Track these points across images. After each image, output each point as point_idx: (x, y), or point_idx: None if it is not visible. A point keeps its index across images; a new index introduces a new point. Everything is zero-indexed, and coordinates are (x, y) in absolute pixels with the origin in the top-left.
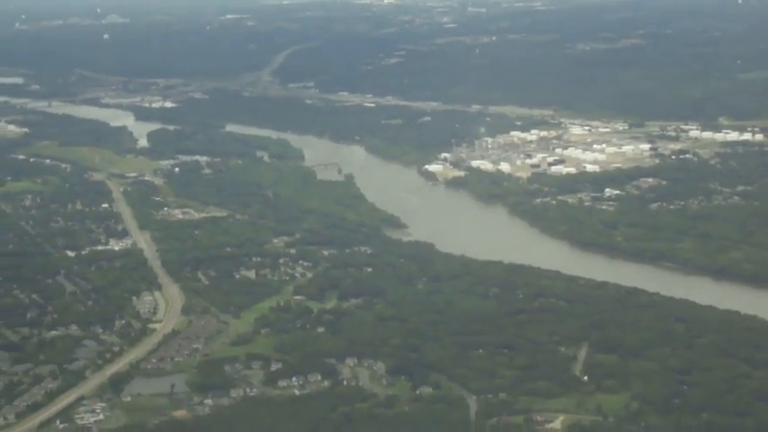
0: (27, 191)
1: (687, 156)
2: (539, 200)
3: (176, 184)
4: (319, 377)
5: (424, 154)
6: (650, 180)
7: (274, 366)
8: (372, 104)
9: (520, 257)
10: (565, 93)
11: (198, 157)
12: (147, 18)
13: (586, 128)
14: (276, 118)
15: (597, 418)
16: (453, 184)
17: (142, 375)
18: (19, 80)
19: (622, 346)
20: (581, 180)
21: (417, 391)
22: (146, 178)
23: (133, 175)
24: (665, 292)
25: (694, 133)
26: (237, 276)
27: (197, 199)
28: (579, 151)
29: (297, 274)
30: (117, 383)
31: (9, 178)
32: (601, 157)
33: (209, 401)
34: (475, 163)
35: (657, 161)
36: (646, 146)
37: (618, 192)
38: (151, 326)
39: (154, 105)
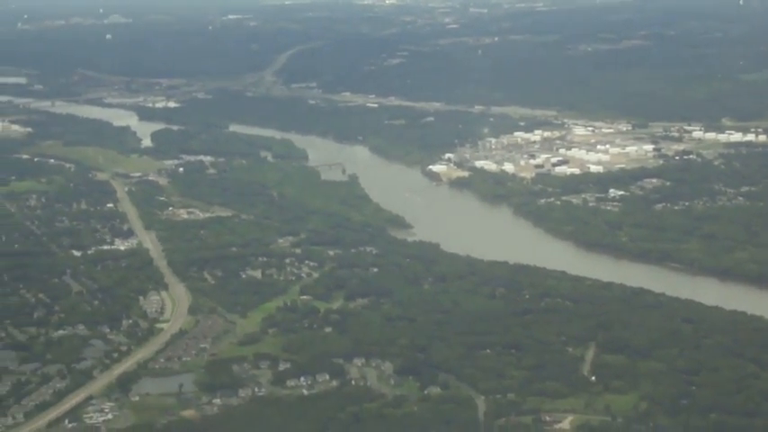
0: (31, 190)
1: (691, 156)
2: (543, 200)
3: (181, 184)
4: (327, 377)
5: (427, 154)
6: (654, 181)
7: (282, 366)
8: (375, 105)
9: (525, 258)
10: (568, 93)
11: (202, 157)
12: (150, 18)
13: (590, 128)
14: (279, 118)
15: (606, 419)
16: (457, 184)
17: (150, 375)
18: (22, 80)
19: (630, 346)
20: (585, 181)
21: (425, 392)
22: (150, 178)
23: (137, 174)
24: (671, 292)
25: (697, 134)
26: (244, 276)
27: (201, 199)
28: (583, 152)
29: (303, 274)
30: (125, 383)
31: (13, 178)
32: (604, 157)
33: (217, 401)
34: (479, 163)
35: (661, 162)
36: (649, 147)
37: (622, 192)
38: (158, 325)
39: (157, 105)
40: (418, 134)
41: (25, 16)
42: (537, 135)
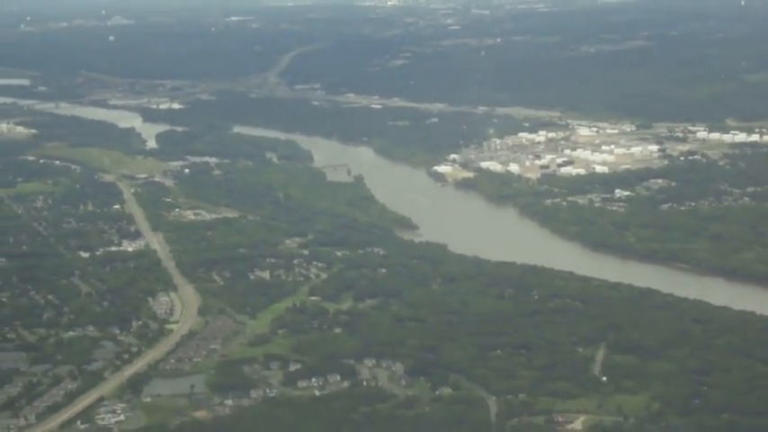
0: (38, 192)
1: (696, 157)
2: (549, 201)
3: (187, 186)
4: (338, 378)
5: (432, 155)
6: (660, 181)
7: (293, 367)
8: (379, 106)
9: (532, 258)
10: (571, 94)
11: (207, 159)
12: (152, 20)
13: (594, 129)
14: (284, 119)
15: (618, 419)
16: (463, 185)
17: (161, 376)
18: (26, 82)
19: (640, 346)
20: (591, 181)
21: (437, 392)
22: (156, 179)
23: (143, 176)
24: (679, 292)
25: (702, 134)
26: (252, 277)
27: (208, 200)
28: (588, 152)
29: (311, 275)
30: (136, 384)
31: (20, 179)
32: (609, 158)
33: (229, 402)
34: (484, 164)
35: (666, 162)
36: (654, 147)
37: (628, 193)
38: (168, 326)
39: (161, 107)
40: (423, 135)
41: (28, 18)
42: (541, 136)
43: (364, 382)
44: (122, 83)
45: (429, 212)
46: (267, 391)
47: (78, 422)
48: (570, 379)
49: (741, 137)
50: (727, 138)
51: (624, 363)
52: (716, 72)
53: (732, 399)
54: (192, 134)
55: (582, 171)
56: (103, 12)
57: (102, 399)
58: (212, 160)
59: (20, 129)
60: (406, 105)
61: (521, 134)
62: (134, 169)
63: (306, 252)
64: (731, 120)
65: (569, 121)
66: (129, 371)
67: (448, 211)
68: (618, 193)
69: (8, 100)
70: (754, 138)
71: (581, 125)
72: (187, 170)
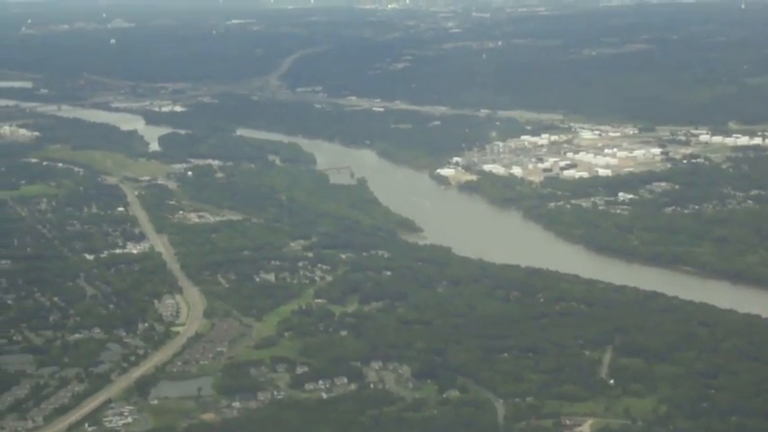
0: (42, 194)
1: (699, 160)
2: (552, 204)
3: (190, 188)
4: (345, 380)
5: (435, 158)
6: (663, 184)
7: (300, 370)
8: (381, 109)
9: (537, 261)
10: (573, 97)
11: (210, 161)
12: (152, 23)
13: (596, 132)
14: (286, 122)
15: (626, 422)
16: (466, 188)
17: (168, 378)
18: (27, 84)
19: (646, 349)
20: (594, 184)
21: (444, 395)
22: (159, 182)
23: (146, 178)
24: (684, 295)
25: (704, 137)
26: (257, 280)
27: (211, 203)
28: (590, 155)
29: (316, 278)
30: (143, 386)
31: (23, 182)
32: (612, 161)
33: (236, 404)
34: (487, 167)
35: (669, 165)
36: (657, 150)
37: (631, 196)
38: (174, 329)
39: (163, 109)
40: (425, 138)
41: (29, 21)
42: (544, 139)
43: (371, 385)
44: (124, 85)
45: (432, 215)
46: (275, 393)
47: (86, 424)
48: (577, 382)
49: (744, 140)
50: (729, 141)
51: (631, 366)
52: (717, 75)
53: (740, 402)
54: (194, 137)
55: (585, 174)
56: (104, 15)
57: (109, 401)
58: (215, 163)
59: (22, 131)
60: (408, 108)
61: (523, 137)
62: (137, 172)
63: (310, 254)
64: (734, 123)
65: (571, 125)
66: (136, 373)
67: (451, 214)
68: (621, 196)
69: (10, 102)
70: (757, 141)
71: (583, 128)
72: (190, 173)
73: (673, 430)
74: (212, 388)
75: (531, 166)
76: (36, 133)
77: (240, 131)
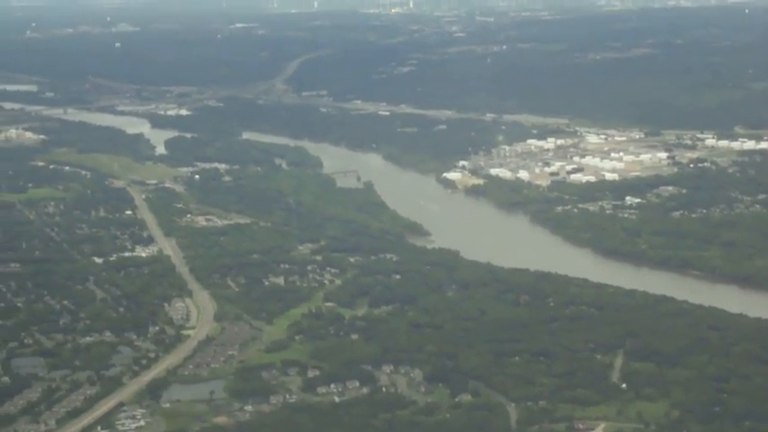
0: (49, 197)
1: (705, 164)
2: (560, 208)
3: (197, 192)
4: (357, 384)
5: (441, 162)
6: (670, 188)
7: (311, 373)
8: (387, 113)
9: (546, 265)
10: (579, 101)
11: (216, 165)
12: (157, 27)
13: (602, 136)
14: (292, 126)
15: (639, 426)
16: (473, 191)
17: (180, 382)
18: (33, 88)
19: (658, 353)
20: (601, 188)
21: (456, 399)
22: (166, 185)
23: (153, 182)
24: (694, 299)
25: (710, 142)
26: (267, 283)
27: (219, 206)
28: (597, 159)
29: (325, 281)
30: (155, 390)
31: (31, 185)
32: (619, 165)
33: (249, 408)
34: (493, 171)
35: (676, 170)
36: (663, 154)
37: (639, 200)
38: (185, 332)
39: (169, 113)
40: (431, 142)
41: (33, 24)
42: (550, 143)
43: (384, 389)
44: (129, 89)
45: (440, 219)
46: (287, 396)
47: (99, 427)
48: (589, 386)
49: (750, 144)
50: (735, 145)
51: (643, 370)
52: (722, 80)
53: (753, 406)
54: (200, 140)
55: (592, 178)
56: (108, 18)
57: (121, 404)
58: (222, 166)
59: (29, 134)
60: (414, 112)
61: (529, 141)
62: (144, 175)
63: (319, 258)
64: (739, 127)
65: (577, 129)
66: (148, 376)
67: (459, 218)
68: (629, 200)
69: (16, 105)
70: (764, 145)
71: (589, 132)
72: (197, 176)
73: None
74: (224, 391)
75: (537, 170)
76: (42, 137)
77: (246, 135)
